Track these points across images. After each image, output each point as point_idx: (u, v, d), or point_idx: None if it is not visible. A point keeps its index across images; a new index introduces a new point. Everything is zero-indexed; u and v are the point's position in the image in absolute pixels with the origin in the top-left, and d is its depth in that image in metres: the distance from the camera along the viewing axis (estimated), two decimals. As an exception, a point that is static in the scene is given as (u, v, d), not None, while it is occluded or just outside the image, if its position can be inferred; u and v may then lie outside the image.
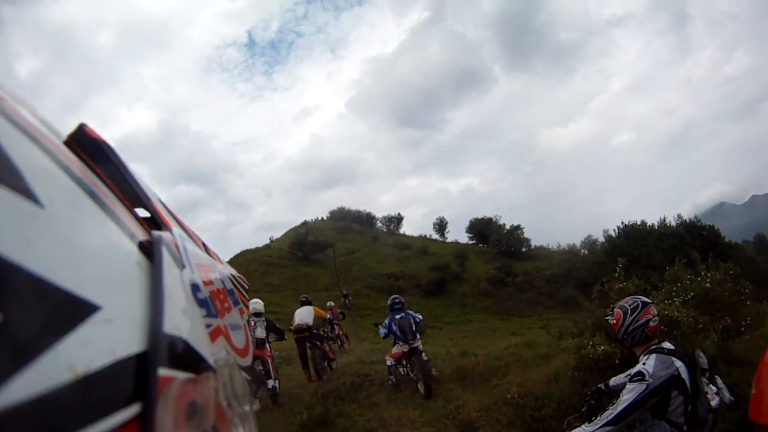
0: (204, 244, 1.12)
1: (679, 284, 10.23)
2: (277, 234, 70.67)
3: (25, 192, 0.44)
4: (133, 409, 0.48)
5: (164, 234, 0.72)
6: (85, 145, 0.69)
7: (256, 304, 11.29)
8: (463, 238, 72.38)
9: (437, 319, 35.03)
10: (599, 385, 4.57)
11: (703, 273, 10.08)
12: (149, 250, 0.63)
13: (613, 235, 47.05)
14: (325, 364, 12.55)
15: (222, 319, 0.97)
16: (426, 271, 51.57)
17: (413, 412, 9.38)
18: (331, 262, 46.08)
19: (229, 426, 0.65)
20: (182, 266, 0.75)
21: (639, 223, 44.76)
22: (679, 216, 47.98)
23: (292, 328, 12.71)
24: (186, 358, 0.62)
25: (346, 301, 23.80)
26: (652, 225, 44.66)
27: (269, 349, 11.09)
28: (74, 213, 0.52)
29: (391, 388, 10.74)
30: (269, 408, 10.31)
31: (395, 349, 10.77)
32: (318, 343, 12.53)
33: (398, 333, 10.67)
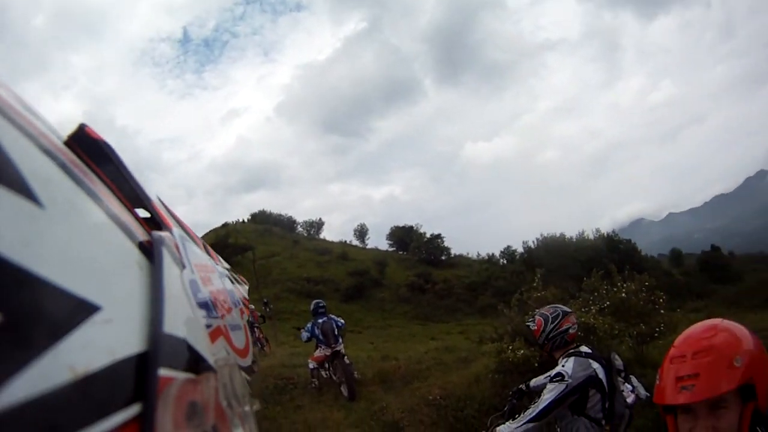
0: (204, 245, 1.11)
1: (595, 294, 10.75)
2: (198, 235, 69.55)
3: (25, 192, 0.44)
4: (133, 410, 0.48)
5: (164, 234, 0.72)
6: (85, 145, 0.69)
7: None
8: (384, 245, 72.88)
9: (357, 323, 35.11)
10: (520, 386, 4.76)
11: (619, 284, 10.58)
12: (149, 251, 0.63)
13: (532, 246, 48.50)
14: None
15: (222, 319, 0.97)
16: (345, 276, 51.73)
17: (338, 413, 9.49)
18: (250, 265, 45.58)
19: (229, 426, 0.65)
20: (182, 266, 0.76)
21: (558, 235, 46.29)
22: (598, 230, 49.96)
23: None
24: (186, 358, 0.62)
25: (267, 309, 23.50)
26: (571, 237, 46.29)
27: None
28: (74, 213, 0.52)
29: (315, 390, 10.84)
30: None
31: (318, 353, 10.87)
32: None
33: (321, 337, 10.77)
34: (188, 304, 0.73)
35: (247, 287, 1.67)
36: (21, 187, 0.44)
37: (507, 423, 4.04)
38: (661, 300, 10.29)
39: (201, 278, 0.85)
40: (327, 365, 10.89)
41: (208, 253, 1.11)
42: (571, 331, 4.13)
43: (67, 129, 0.67)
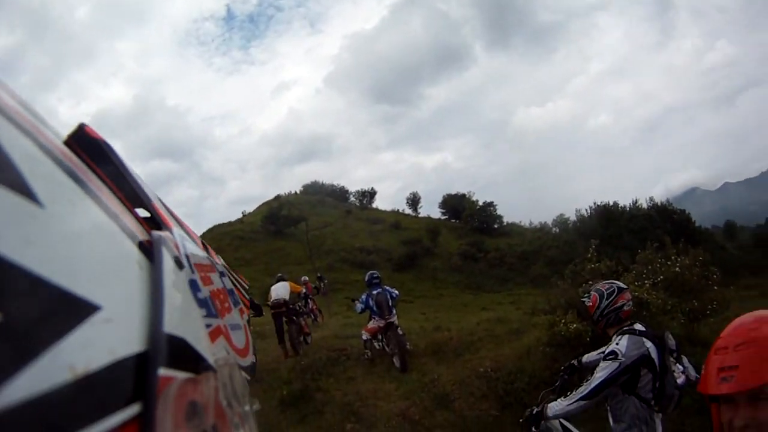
0: (204, 244, 1.12)
1: (649, 267, 10.60)
2: (250, 208, 70.35)
3: (25, 192, 0.44)
4: (133, 409, 0.48)
5: (164, 234, 0.72)
6: (85, 144, 0.69)
7: None
8: (436, 213, 72.51)
9: (408, 293, 35.20)
10: (572, 362, 4.79)
11: (673, 257, 10.37)
12: (149, 250, 0.63)
13: (585, 214, 47.57)
14: (301, 338, 12.79)
15: (222, 319, 0.97)
16: (398, 246, 51.69)
17: (389, 385, 9.60)
18: (303, 236, 45.96)
19: (229, 426, 0.65)
20: (182, 266, 0.76)
21: (611, 203, 45.27)
22: (651, 199, 48.64)
23: (269, 303, 12.78)
24: (186, 358, 0.62)
25: (322, 284, 23.75)
26: (624, 206, 45.21)
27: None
28: (74, 213, 0.52)
29: (367, 362, 10.94)
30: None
31: (371, 324, 10.94)
32: (294, 318, 12.73)
33: (375, 308, 10.82)
34: (188, 304, 0.73)
35: (247, 287, 1.68)
36: (21, 187, 0.44)
37: (558, 400, 4.07)
38: (714, 276, 10.11)
39: (201, 278, 0.85)
40: (380, 336, 10.94)
41: (208, 252, 1.11)
42: (625, 308, 4.08)
43: (68, 129, 0.68)
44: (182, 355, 0.61)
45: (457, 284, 44.74)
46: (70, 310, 0.44)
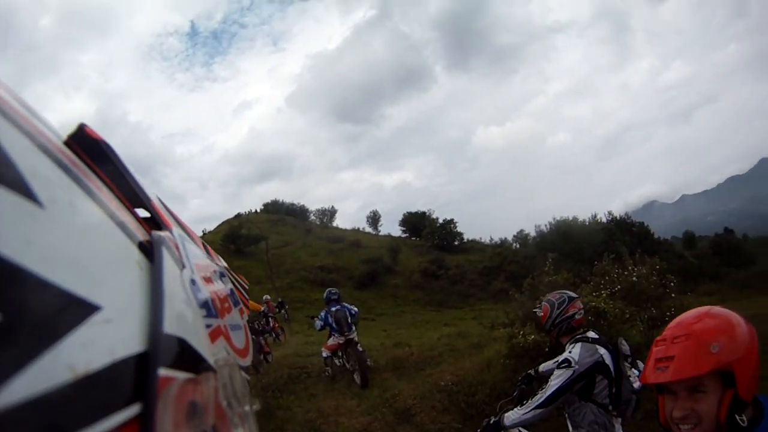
0: (204, 244, 1.11)
1: (606, 277, 10.79)
2: (211, 227, 69.83)
3: (25, 192, 0.44)
4: (133, 409, 0.48)
5: (164, 234, 0.72)
6: (85, 145, 0.69)
7: None
8: (397, 231, 72.98)
9: (370, 311, 35.23)
10: (529, 371, 4.87)
11: (630, 267, 10.63)
12: (149, 250, 0.63)
13: (545, 230, 48.35)
14: (261, 357, 12.74)
15: (222, 319, 0.97)
16: (359, 264, 51.81)
17: (351, 401, 9.66)
18: (264, 255, 45.75)
19: (229, 426, 0.65)
20: (182, 266, 0.76)
21: (570, 218, 46.07)
22: (610, 213, 49.71)
23: None
24: (186, 358, 0.62)
25: (284, 310, 23.74)
26: (584, 221, 46.07)
27: None
28: (74, 213, 0.52)
29: (328, 379, 11.01)
30: None
31: (331, 341, 10.98)
32: (254, 336, 12.42)
33: (334, 325, 10.85)
34: (188, 304, 0.73)
35: (247, 287, 1.68)
36: (21, 187, 0.44)
37: (515, 409, 4.09)
38: (672, 284, 10.33)
39: (201, 278, 0.85)
40: (340, 353, 11.00)
41: (207, 252, 1.11)
42: (577, 316, 4.15)
43: (68, 129, 0.67)
44: (182, 355, 0.61)
45: (418, 301, 44.99)
46: (70, 310, 0.44)
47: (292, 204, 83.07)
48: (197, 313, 0.78)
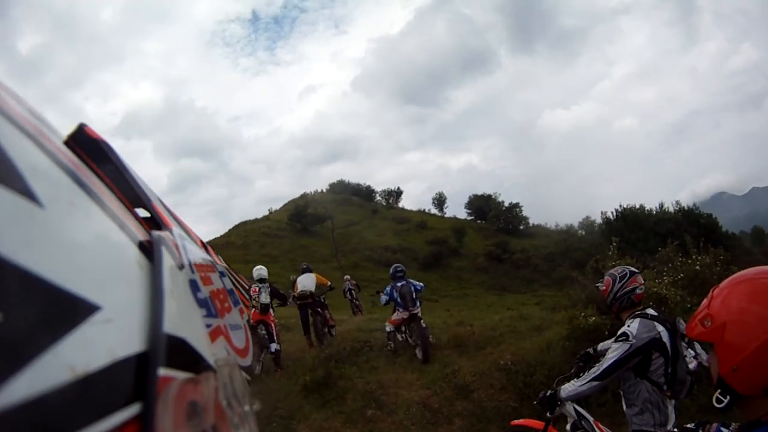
0: (204, 244, 1.12)
1: (669, 265, 10.59)
2: (277, 207, 70.81)
3: (25, 192, 0.44)
4: (133, 409, 0.48)
5: (164, 234, 0.72)
6: (85, 145, 0.69)
7: (261, 270, 11.72)
8: (462, 213, 72.70)
9: (434, 292, 35.22)
10: (588, 350, 4.89)
11: (693, 256, 10.33)
12: (149, 250, 0.63)
13: (611, 217, 47.13)
14: (326, 330, 12.80)
15: (222, 319, 0.97)
16: (424, 245, 51.87)
17: (411, 375, 9.76)
18: (329, 234, 46.32)
19: (229, 426, 0.65)
20: (182, 266, 0.75)
21: (637, 206, 44.78)
22: (678, 203, 48.01)
23: (295, 294, 12.87)
24: (186, 358, 0.62)
25: (353, 299, 24.43)
26: (650, 210, 44.75)
27: (272, 314, 11.43)
28: (74, 213, 0.52)
29: (390, 353, 11.04)
30: (272, 370, 10.74)
31: (395, 316, 10.98)
32: (319, 310, 12.78)
33: (399, 300, 10.84)
34: (188, 304, 0.73)
35: (247, 287, 1.68)
36: (21, 187, 0.44)
37: (571, 381, 4.19)
38: (735, 275, 9.98)
39: (201, 278, 0.85)
40: (404, 328, 11.02)
41: (208, 252, 1.11)
42: (638, 291, 4.17)
43: (68, 129, 0.68)
44: (182, 355, 0.61)
45: (481, 284, 44.79)
46: (70, 310, 0.43)
47: (358, 184, 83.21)
48: (197, 312, 0.78)
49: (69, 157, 0.58)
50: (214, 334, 0.87)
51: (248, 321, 1.32)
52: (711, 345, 1.77)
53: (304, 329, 12.75)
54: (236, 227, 56.72)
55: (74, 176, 0.55)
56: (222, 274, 1.11)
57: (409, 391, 9.04)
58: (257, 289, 11.26)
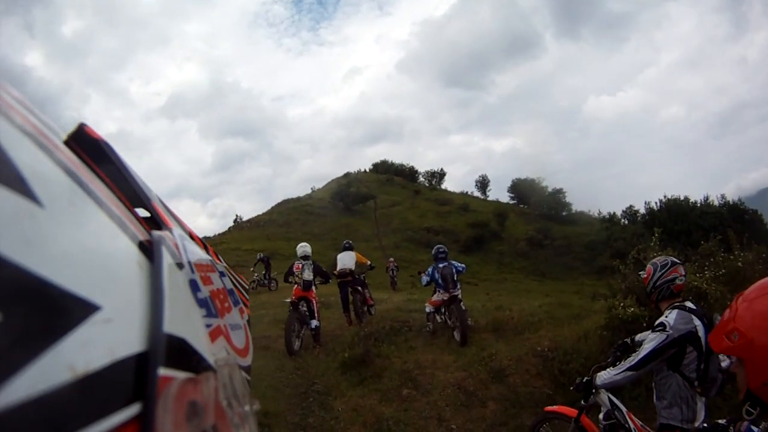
0: (204, 244, 1.12)
1: (711, 259, 10.47)
2: (320, 185, 71.31)
3: (25, 192, 0.44)
4: (133, 409, 0.48)
5: (164, 234, 0.72)
6: (85, 144, 0.70)
7: (305, 247, 11.83)
8: (505, 197, 72.36)
9: (474, 275, 35.21)
10: (625, 339, 4.89)
11: (736, 252, 10.28)
12: (149, 250, 0.63)
13: (654, 207, 46.24)
14: (365, 308, 12.97)
15: (222, 318, 0.97)
16: (465, 227, 51.77)
17: (448, 356, 9.82)
18: (371, 214, 46.52)
19: (229, 426, 0.65)
20: (182, 266, 0.76)
21: (681, 198, 43.91)
22: (723, 196, 46.97)
23: (335, 272, 12.97)
24: (186, 357, 0.62)
25: (393, 277, 24.88)
26: (695, 202, 43.83)
27: (314, 291, 11.50)
28: (74, 213, 0.52)
29: (428, 334, 11.13)
30: (311, 347, 10.90)
31: (435, 297, 11.06)
32: (359, 288, 12.92)
33: (440, 281, 10.88)
34: (188, 304, 0.73)
35: (247, 287, 1.68)
36: (21, 187, 0.44)
37: (608, 369, 4.25)
38: (778, 274, 9.74)
39: (201, 278, 0.85)
40: (443, 309, 11.07)
41: (208, 252, 1.11)
42: (678, 281, 4.16)
43: (68, 129, 0.68)
44: (182, 355, 0.61)
45: (522, 269, 44.58)
46: (70, 310, 0.44)
47: (402, 165, 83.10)
48: (197, 312, 0.78)
49: (69, 157, 0.58)
50: (214, 334, 0.87)
51: (248, 321, 1.32)
52: (739, 359, 1.78)
53: (343, 307, 12.83)
54: (278, 205, 57.28)
55: (74, 176, 0.55)
56: (222, 274, 1.12)
57: (446, 373, 9.11)
58: (300, 265, 11.35)
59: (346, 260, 13.14)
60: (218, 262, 1.16)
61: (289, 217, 49.89)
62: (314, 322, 11.02)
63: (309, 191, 66.22)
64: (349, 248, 13.68)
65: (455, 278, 10.90)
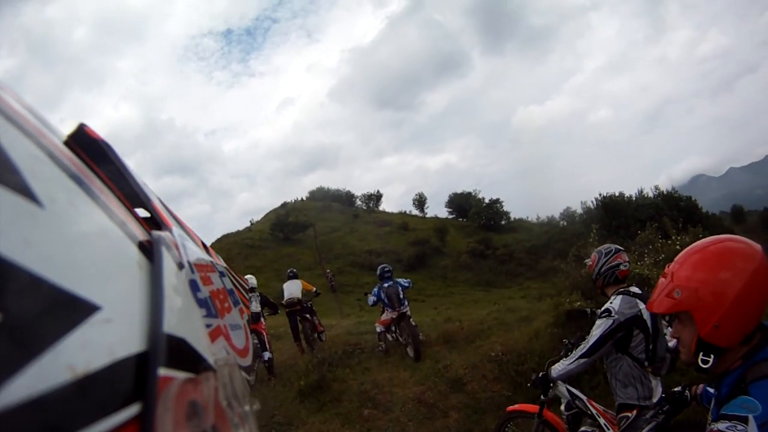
0: (204, 244, 1.12)
1: (650, 246, 10.89)
2: (259, 217, 70.66)
3: (25, 192, 0.44)
4: (133, 409, 0.48)
5: (164, 234, 0.72)
6: (85, 144, 0.70)
7: (251, 279, 11.61)
8: (443, 213, 72.83)
9: (420, 292, 35.27)
10: (580, 334, 4.95)
11: (673, 237, 10.67)
12: (149, 250, 0.63)
13: (591, 206, 47.38)
14: (316, 335, 12.96)
15: (222, 319, 0.97)
16: (407, 247, 51.94)
17: (404, 373, 9.94)
18: (312, 242, 46.13)
19: (229, 426, 0.65)
20: (182, 266, 0.76)
21: (617, 194, 45.07)
22: (657, 188, 48.46)
23: (283, 302, 12.94)
24: (186, 358, 0.62)
25: (331, 282, 24.66)
26: (630, 196, 45.07)
27: (263, 323, 11.45)
28: (74, 213, 0.52)
29: (382, 353, 11.22)
30: (266, 379, 10.81)
31: (384, 316, 11.18)
32: (308, 315, 12.90)
33: (386, 300, 11.04)
34: (188, 304, 0.73)
35: (248, 287, 1.68)
36: (21, 187, 0.44)
37: (561, 361, 4.37)
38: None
39: (201, 278, 0.85)
40: (393, 328, 11.18)
41: (208, 252, 1.11)
42: (622, 267, 4.33)
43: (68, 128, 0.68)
44: (182, 355, 0.61)
45: (467, 282, 44.84)
46: (70, 310, 0.44)
47: (338, 190, 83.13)
48: (197, 312, 0.78)
49: (69, 157, 0.58)
50: (214, 334, 0.87)
51: (248, 321, 1.32)
52: (678, 316, 1.89)
53: (294, 336, 12.83)
54: (218, 240, 56.57)
55: (74, 176, 0.55)
56: (222, 274, 1.12)
57: (404, 389, 9.20)
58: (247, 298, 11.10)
59: (292, 289, 13.12)
60: (218, 262, 1.16)
61: (230, 252, 49.25)
62: (267, 354, 10.91)
63: (248, 224, 65.36)
64: (294, 277, 13.68)
65: (401, 296, 11.05)
